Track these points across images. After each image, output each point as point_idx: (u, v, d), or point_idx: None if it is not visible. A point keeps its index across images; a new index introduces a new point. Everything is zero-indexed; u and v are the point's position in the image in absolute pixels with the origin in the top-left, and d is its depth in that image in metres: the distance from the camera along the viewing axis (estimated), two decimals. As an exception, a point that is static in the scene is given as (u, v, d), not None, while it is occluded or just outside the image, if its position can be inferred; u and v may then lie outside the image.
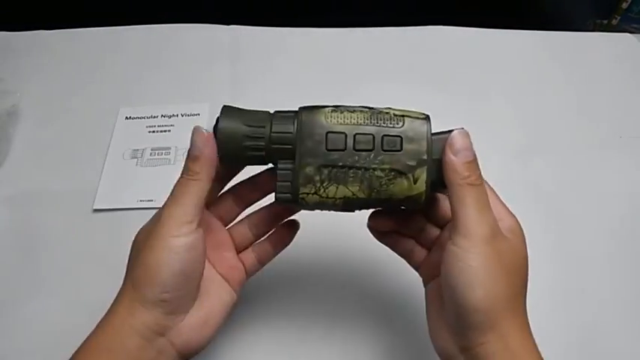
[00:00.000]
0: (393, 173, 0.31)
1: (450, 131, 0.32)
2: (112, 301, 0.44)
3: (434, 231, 0.35)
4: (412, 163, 0.30)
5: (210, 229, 0.34)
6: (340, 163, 0.30)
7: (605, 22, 1.13)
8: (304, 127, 0.31)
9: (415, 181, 0.31)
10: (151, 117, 0.58)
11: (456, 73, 0.64)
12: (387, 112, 0.33)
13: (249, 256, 0.36)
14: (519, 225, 0.32)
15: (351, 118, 0.31)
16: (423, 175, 0.31)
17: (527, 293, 0.45)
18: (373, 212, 0.35)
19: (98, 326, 0.30)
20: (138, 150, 0.55)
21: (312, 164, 0.31)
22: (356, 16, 0.73)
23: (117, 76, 0.63)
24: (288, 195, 0.31)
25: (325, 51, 0.66)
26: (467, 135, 0.31)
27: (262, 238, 0.37)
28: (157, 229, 0.30)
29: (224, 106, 0.33)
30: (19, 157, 0.55)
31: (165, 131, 0.57)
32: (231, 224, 0.37)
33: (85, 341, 0.30)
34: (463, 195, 0.29)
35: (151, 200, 0.50)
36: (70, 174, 0.53)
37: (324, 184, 0.31)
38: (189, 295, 0.31)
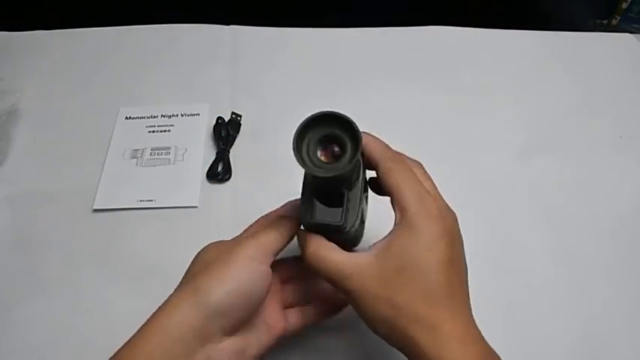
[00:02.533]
0: None
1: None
2: (111, 301, 0.44)
3: None
4: None
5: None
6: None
7: (606, 22, 1.13)
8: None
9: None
10: (151, 117, 0.58)
11: (456, 73, 0.64)
12: None
13: (294, 314, 0.37)
14: (428, 210, 0.31)
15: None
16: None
17: (527, 292, 0.46)
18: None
19: (145, 325, 0.31)
20: (138, 150, 0.55)
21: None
22: (356, 16, 0.73)
23: (117, 76, 0.63)
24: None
25: (325, 51, 0.66)
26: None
27: (311, 304, 0.38)
28: (237, 248, 0.32)
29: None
30: (19, 157, 0.55)
31: (165, 131, 0.57)
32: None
33: (135, 333, 0.31)
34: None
35: (151, 200, 0.50)
36: (69, 174, 0.53)
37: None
38: (243, 319, 0.32)
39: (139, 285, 0.45)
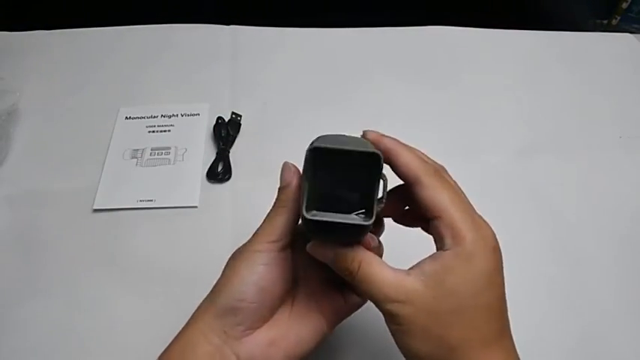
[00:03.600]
0: None
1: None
2: (111, 300, 0.44)
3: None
4: None
5: (317, 264, 0.33)
6: None
7: (606, 22, 1.13)
8: None
9: None
10: (151, 117, 0.58)
11: (456, 72, 0.64)
12: None
13: (329, 308, 0.35)
14: (475, 241, 0.29)
15: None
16: None
17: (528, 290, 0.46)
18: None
19: (178, 334, 0.32)
20: (138, 150, 0.55)
21: None
22: (356, 15, 0.73)
23: (117, 75, 0.63)
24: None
25: (325, 51, 0.66)
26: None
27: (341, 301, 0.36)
28: (244, 246, 0.32)
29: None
30: (19, 157, 0.55)
31: (165, 131, 0.57)
32: None
33: (167, 348, 0.32)
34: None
35: (151, 200, 0.50)
36: (69, 174, 0.53)
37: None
38: (260, 311, 0.31)
39: (139, 285, 0.45)
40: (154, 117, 0.58)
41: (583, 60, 0.67)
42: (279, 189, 0.33)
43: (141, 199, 0.50)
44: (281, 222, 0.32)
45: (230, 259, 0.33)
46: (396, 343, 0.29)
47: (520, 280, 0.46)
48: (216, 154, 0.54)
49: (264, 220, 0.33)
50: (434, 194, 0.29)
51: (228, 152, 0.54)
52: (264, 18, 0.69)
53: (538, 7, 0.94)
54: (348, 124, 0.58)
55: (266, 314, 0.32)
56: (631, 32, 0.72)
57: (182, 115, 0.58)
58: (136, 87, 0.61)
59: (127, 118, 0.58)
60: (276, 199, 0.33)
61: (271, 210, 0.33)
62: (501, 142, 0.57)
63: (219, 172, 0.52)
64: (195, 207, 0.50)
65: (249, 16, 0.70)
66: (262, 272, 0.31)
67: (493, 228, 0.52)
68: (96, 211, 0.50)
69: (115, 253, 0.47)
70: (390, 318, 0.28)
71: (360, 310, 0.35)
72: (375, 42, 0.68)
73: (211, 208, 0.50)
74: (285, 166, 0.33)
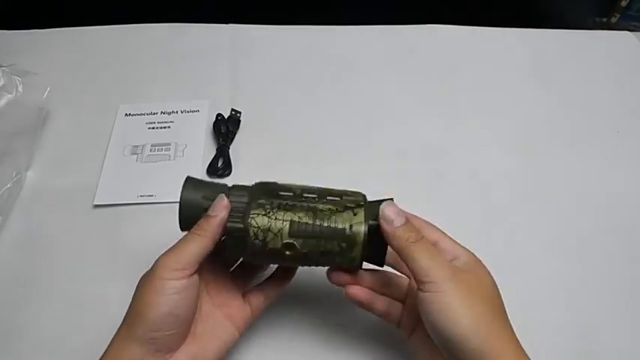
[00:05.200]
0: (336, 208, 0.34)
1: (381, 201, 0.35)
2: (111, 296, 0.44)
3: (402, 281, 0.38)
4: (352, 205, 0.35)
5: (215, 275, 0.38)
6: (289, 202, 0.34)
7: (605, 20, 1.13)
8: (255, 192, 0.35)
9: (355, 214, 0.34)
10: (151, 114, 0.58)
11: (456, 70, 0.64)
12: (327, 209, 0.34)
13: (255, 295, 0.38)
14: (476, 258, 0.35)
15: (291, 215, 0.34)
16: (361, 212, 0.34)
17: (528, 289, 0.46)
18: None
19: None
20: (138, 146, 0.55)
21: (264, 198, 0.34)
22: (355, 14, 0.73)
23: (117, 73, 0.63)
24: (240, 223, 0.33)
25: (324, 49, 0.67)
26: (393, 204, 0.34)
27: (265, 279, 0.40)
28: (152, 272, 0.32)
29: (187, 177, 0.37)
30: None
31: (165, 127, 0.57)
32: (233, 267, 0.40)
33: None
34: (412, 253, 0.32)
35: (151, 195, 0.50)
36: (70, 170, 0.53)
37: (274, 210, 0.34)
38: (178, 334, 0.33)
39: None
40: (154, 114, 0.58)
41: (582, 58, 0.67)
42: (205, 216, 0.34)
43: (141, 194, 0.51)
44: (196, 250, 0.33)
45: (140, 285, 0.33)
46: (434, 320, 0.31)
47: (520, 275, 0.47)
48: (217, 149, 0.54)
49: (178, 245, 0.33)
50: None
51: (228, 148, 0.54)
52: (264, 16, 0.70)
53: (537, 5, 0.94)
54: (347, 122, 0.59)
55: (183, 336, 0.33)
56: (630, 30, 0.72)
57: (182, 112, 0.58)
58: (135, 84, 0.62)
59: (126, 114, 0.58)
60: (198, 226, 0.34)
61: (188, 235, 0.34)
62: (501, 139, 0.57)
63: (219, 167, 0.53)
64: (196, 202, 0.50)
65: (249, 15, 0.70)
66: (176, 301, 0.32)
67: (493, 224, 0.53)
68: (96, 206, 0.50)
69: (116, 248, 0.48)
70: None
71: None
72: (374, 40, 0.68)
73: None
74: (220, 199, 0.34)
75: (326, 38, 0.68)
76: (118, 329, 0.33)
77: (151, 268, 0.33)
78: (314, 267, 0.36)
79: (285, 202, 0.34)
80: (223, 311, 0.36)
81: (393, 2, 0.82)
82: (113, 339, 0.32)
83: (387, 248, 0.34)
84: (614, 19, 1.12)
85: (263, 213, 0.33)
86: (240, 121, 0.57)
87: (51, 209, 0.50)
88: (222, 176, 0.52)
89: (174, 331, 0.32)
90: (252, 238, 0.33)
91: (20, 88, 0.52)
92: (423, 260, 0.32)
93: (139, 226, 0.49)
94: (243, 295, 0.38)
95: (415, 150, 0.56)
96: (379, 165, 0.54)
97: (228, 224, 0.33)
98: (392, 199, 0.35)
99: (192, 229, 0.34)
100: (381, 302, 0.37)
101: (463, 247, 0.35)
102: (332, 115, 0.59)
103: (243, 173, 0.53)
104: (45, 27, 0.68)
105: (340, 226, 0.33)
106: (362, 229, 0.33)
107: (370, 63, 0.65)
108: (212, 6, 0.77)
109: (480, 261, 0.35)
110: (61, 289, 0.45)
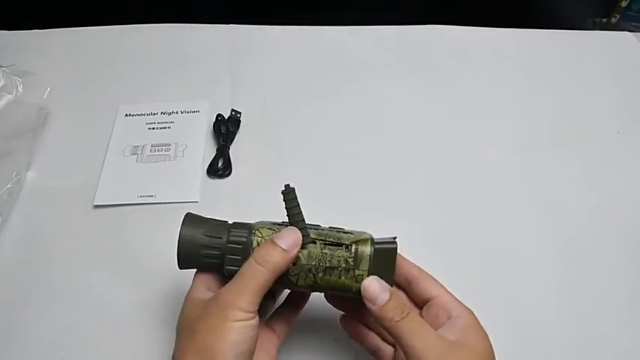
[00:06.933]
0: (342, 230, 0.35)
1: (393, 240, 0.34)
2: (112, 296, 0.44)
3: None
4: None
5: None
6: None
7: (605, 20, 1.13)
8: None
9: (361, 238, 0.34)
10: (151, 114, 0.58)
11: (456, 70, 0.64)
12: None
13: (277, 322, 0.38)
14: (473, 319, 0.33)
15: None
16: (367, 236, 0.34)
17: (527, 289, 0.46)
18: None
19: None
20: (138, 146, 0.55)
21: (264, 235, 0.33)
22: (355, 14, 0.73)
23: (117, 74, 0.63)
24: (244, 232, 0.33)
25: (324, 49, 0.67)
26: (375, 280, 0.33)
27: (280, 304, 0.39)
28: (222, 312, 0.30)
29: (187, 214, 0.35)
30: (19, 154, 0.55)
31: (165, 128, 0.57)
32: None
33: None
34: (399, 332, 0.31)
35: (152, 196, 0.50)
36: (70, 170, 0.53)
37: (281, 226, 0.34)
38: None
39: (141, 280, 0.45)
40: (154, 114, 0.58)
41: (582, 58, 0.67)
42: (273, 246, 0.32)
43: (141, 194, 0.51)
44: (264, 285, 0.31)
45: (208, 318, 0.31)
46: None
47: (519, 275, 0.47)
48: (217, 150, 0.54)
49: (242, 282, 0.31)
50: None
51: (229, 148, 0.54)
52: (264, 17, 0.70)
53: (537, 5, 0.94)
54: (347, 122, 0.59)
55: None
56: (630, 31, 0.72)
57: (182, 112, 0.58)
58: (135, 85, 0.62)
59: (126, 115, 0.58)
60: (264, 259, 0.31)
61: (256, 270, 0.31)
62: (501, 139, 0.57)
63: (219, 167, 0.53)
64: (196, 202, 0.50)
65: (249, 15, 0.70)
66: (252, 339, 0.30)
67: (493, 223, 0.53)
68: (96, 206, 0.50)
69: (116, 248, 0.48)
70: None
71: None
72: (373, 40, 0.68)
73: (211, 204, 0.50)
74: (292, 231, 0.33)
75: (326, 38, 0.68)
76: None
77: (215, 304, 0.31)
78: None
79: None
80: (259, 343, 0.35)
81: (393, 3, 0.82)
82: None
83: (394, 269, 0.34)
84: (614, 20, 1.12)
85: (268, 227, 0.34)
86: (240, 121, 0.57)
87: (51, 209, 0.50)
88: (222, 177, 0.52)
89: None
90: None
91: (20, 88, 0.52)
92: (412, 340, 0.30)
93: (139, 226, 0.49)
94: (266, 324, 0.37)
95: (415, 150, 0.56)
96: (379, 164, 0.54)
97: (227, 267, 0.33)
98: (395, 241, 0.34)
99: (259, 261, 0.31)
100: (372, 337, 0.37)
101: (462, 304, 0.34)
102: (332, 115, 0.59)
103: (243, 173, 0.53)
104: (45, 27, 0.68)
105: (346, 242, 0.33)
106: (368, 247, 0.33)
107: (370, 63, 0.65)
108: (212, 6, 0.78)
109: (477, 323, 0.33)
110: (60, 289, 0.45)
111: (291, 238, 0.32)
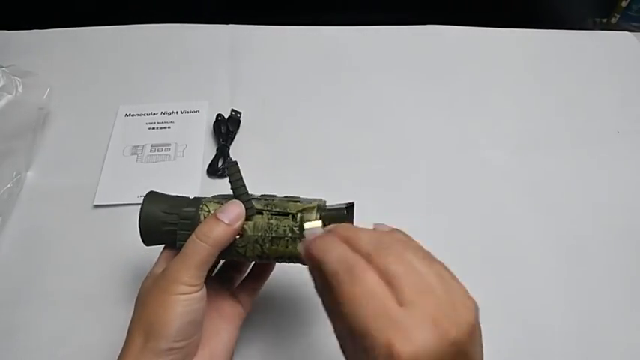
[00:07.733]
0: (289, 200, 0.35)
1: (344, 205, 0.34)
2: (111, 298, 0.44)
3: None
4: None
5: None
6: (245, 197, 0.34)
7: (605, 20, 1.13)
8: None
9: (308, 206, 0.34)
10: (151, 114, 0.58)
11: (455, 70, 0.65)
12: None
13: (241, 292, 0.39)
14: (474, 316, 0.26)
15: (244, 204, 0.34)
16: (314, 204, 0.34)
17: (527, 289, 0.46)
18: None
19: None
20: (138, 147, 0.55)
21: (210, 209, 0.34)
22: (356, 14, 0.73)
23: (117, 74, 0.63)
24: (192, 208, 0.34)
25: (324, 49, 0.67)
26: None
27: (245, 275, 0.40)
28: (167, 286, 0.31)
29: (149, 192, 0.38)
30: (19, 154, 0.55)
31: (165, 128, 0.57)
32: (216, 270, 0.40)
33: None
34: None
35: (151, 196, 0.50)
36: (70, 170, 0.53)
37: (227, 200, 0.34)
38: (196, 340, 0.33)
39: (141, 280, 0.45)
40: (154, 114, 0.58)
41: (582, 58, 0.67)
42: (215, 221, 0.32)
43: (141, 194, 0.50)
44: (208, 259, 0.32)
45: (151, 296, 0.32)
46: None
47: (519, 274, 0.47)
48: (217, 150, 0.54)
49: (185, 257, 0.32)
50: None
51: (228, 148, 0.54)
52: (264, 17, 0.70)
53: (537, 5, 0.94)
54: (346, 122, 0.58)
55: (199, 340, 0.33)
56: (630, 31, 0.72)
57: (182, 113, 0.58)
58: (135, 85, 0.62)
59: (126, 115, 0.58)
60: (205, 234, 0.32)
61: (198, 245, 0.32)
62: (500, 139, 0.57)
63: (219, 167, 0.53)
64: (196, 202, 0.50)
65: (249, 15, 0.70)
66: (198, 310, 0.31)
67: (492, 224, 0.53)
68: (96, 206, 0.50)
69: (116, 248, 0.47)
70: None
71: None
72: (373, 40, 0.68)
73: (211, 204, 0.50)
74: (234, 205, 0.33)
75: (326, 38, 0.68)
76: (129, 342, 0.31)
77: (162, 278, 0.32)
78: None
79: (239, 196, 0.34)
80: (219, 313, 0.37)
81: (392, 3, 0.82)
82: (126, 353, 0.31)
83: None
84: (613, 20, 1.12)
85: (216, 201, 0.34)
86: (240, 121, 0.57)
87: (51, 209, 0.50)
88: (222, 176, 0.52)
89: (193, 337, 0.32)
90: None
91: (20, 88, 0.51)
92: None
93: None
94: (231, 295, 0.38)
95: (415, 150, 0.56)
96: (379, 164, 0.54)
97: (182, 211, 0.34)
98: (345, 206, 0.34)
99: (200, 237, 0.32)
100: None
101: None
102: (332, 115, 0.59)
103: (243, 173, 0.53)
104: (45, 27, 0.68)
105: (292, 211, 0.33)
106: (313, 214, 0.33)
107: (370, 63, 0.65)
108: (212, 6, 0.78)
109: (475, 323, 0.26)
110: (61, 289, 0.45)
111: (234, 212, 0.32)
